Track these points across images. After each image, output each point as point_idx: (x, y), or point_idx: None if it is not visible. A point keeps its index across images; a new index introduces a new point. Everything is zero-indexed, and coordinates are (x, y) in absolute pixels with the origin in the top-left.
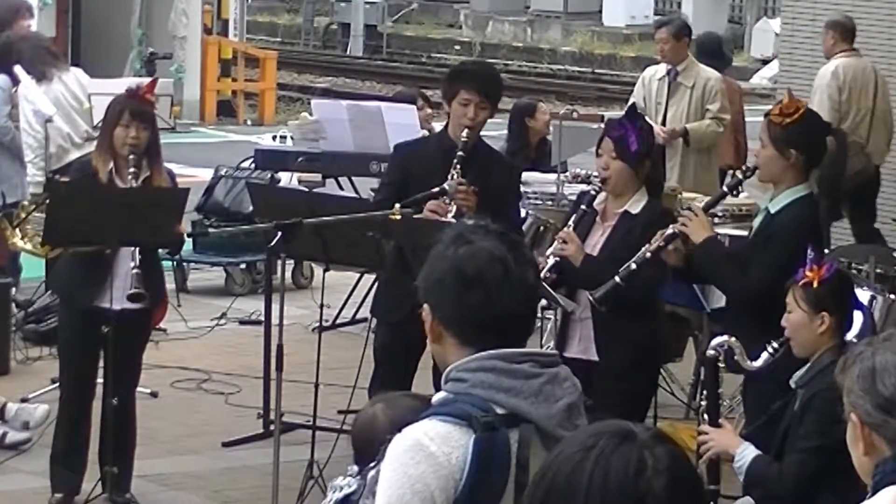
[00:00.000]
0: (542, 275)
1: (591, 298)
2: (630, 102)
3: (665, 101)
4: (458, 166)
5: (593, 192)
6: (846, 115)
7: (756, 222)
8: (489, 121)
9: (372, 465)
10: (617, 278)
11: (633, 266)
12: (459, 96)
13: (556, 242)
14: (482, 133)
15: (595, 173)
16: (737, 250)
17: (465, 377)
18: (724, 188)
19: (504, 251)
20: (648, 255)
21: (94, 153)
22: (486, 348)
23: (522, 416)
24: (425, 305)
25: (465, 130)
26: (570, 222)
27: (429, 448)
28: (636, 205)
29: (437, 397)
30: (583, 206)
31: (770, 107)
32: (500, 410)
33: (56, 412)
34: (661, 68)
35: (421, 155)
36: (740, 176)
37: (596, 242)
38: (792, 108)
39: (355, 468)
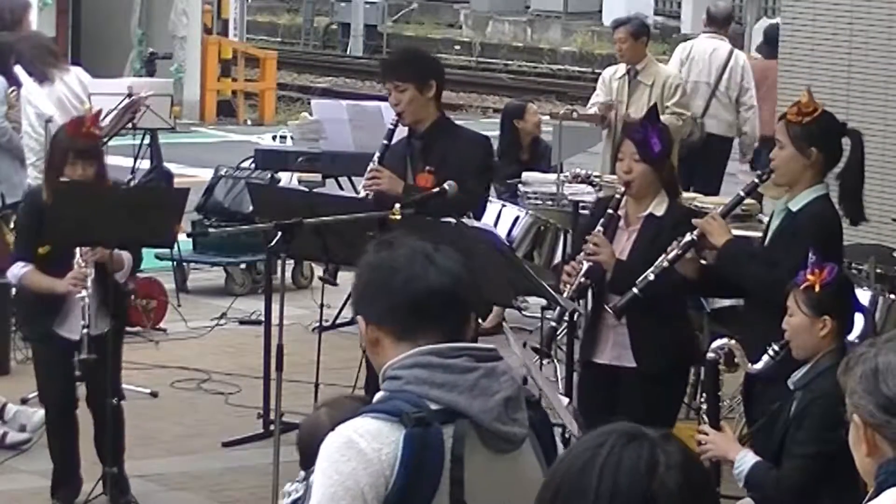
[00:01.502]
0: (578, 280)
1: (609, 308)
2: (591, 102)
3: (626, 99)
4: (378, 154)
5: (618, 196)
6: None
7: (775, 223)
8: (486, 121)
9: (314, 468)
10: (635, 289)
11: (651, 277)
12: (387, 90)
13: (586, 247)
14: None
15: (596, 173)
16: (758, 250)
17: (400, 374)
18: (741, 192)
19: (427, 247)
20: (666, 264)
21: (45, 186)
22: (420, 341)
23: (458, 411)
24: (358, 318)
25: (395, 117)
26: (599, 226)
27: (358, 445)
28: (659, 207)
29: (377, 397)
30: (610, 210)
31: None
32: (434, 406)
33: None
34: (621, 67)
35: (393, 150)
36: (756, 180)
37: (623, 248)
38: (810, 107)
39: (303, 473)
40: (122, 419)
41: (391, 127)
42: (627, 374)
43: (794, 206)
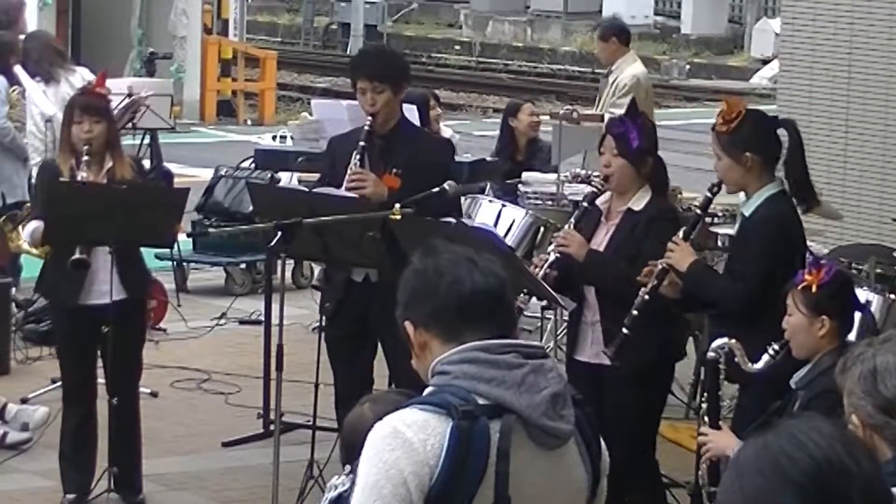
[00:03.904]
0: (543, 270)
1: (607, 354)
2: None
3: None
4: (358, 156)
5: (595, 191)
6: None
7: (735, 229)
8: (486, 121)
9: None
10: (624, 329)
11: (635, 312)
12: (358, 88)
13: (556, 240)
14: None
15: (596, 173)
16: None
17: (449, 369)
18: (698, 211)
19: (470, 252)
20: (646, 297)
21: (58, 153)
22: (468, 340)
23: (505, 406)
24: (406, 324)
25: (369, 118)
26: (571, 220)
27: (404, 434)
28: (639, 202)
29: (426, 391)
30: (584, 204)
31: (772, 107)
32: (482, 401)
33: (55, 413)
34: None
35: (345, 145)
36: (708, 194)
37: (601, 241)
38: (733, 112)
39: (349, 467)
40: (131, 417)
41: (368, 129)
42: (608, 372)
43: (747, 210)
